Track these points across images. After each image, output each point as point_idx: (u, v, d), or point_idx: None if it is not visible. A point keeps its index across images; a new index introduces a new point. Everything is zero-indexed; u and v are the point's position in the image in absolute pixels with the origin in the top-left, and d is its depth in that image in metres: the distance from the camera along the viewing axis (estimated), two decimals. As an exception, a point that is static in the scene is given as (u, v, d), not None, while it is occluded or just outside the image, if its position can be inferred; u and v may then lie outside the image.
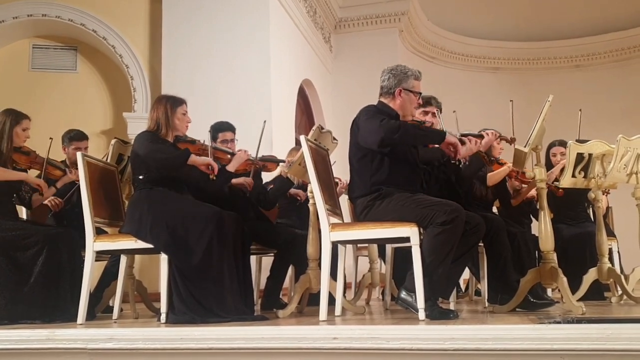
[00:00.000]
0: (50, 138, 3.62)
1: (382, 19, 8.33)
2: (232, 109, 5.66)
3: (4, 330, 2.66)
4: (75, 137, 4.08)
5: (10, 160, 3.46)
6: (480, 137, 3.28)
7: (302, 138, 3.04)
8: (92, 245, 3.13)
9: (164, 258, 3.00)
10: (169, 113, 3.27)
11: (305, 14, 7.39)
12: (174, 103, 3.31)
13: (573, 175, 3.32)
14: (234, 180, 3.79)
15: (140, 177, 3.23)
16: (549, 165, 4.40)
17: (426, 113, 3.61)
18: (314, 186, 2.99)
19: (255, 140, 3.84)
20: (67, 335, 2.47)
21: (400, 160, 3.01)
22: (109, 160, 3.83)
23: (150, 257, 4.70)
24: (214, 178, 3.16)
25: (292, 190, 4.31)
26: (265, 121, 3.90)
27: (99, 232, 3.28)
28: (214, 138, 4.00)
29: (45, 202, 3.67)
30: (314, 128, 3.52)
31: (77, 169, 3.68)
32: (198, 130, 3.62)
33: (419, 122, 3.21)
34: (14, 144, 3.45)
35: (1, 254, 3.21)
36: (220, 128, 4.04)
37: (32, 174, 3.65)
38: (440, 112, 3.70)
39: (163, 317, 2.95)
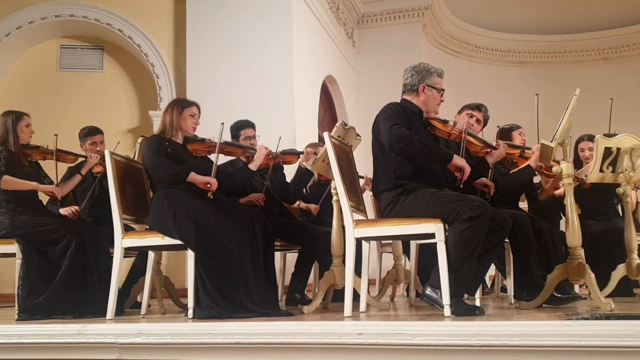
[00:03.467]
0: (55, 135, 3.69)
1: (405, 14, 8.26)
2: (255, 106, 5.70)
3: (38, 324, 2.73)
4: (89, 133, 4.15)
5: (23, 155, 3.57)
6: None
7: (325, 135, 3.04)
8: (121, 241, 3.19)
9: (190, 254, 3.04)
10: (176, 116, 3.36)
11: (327, 10, 7.38)
12: (182, 106, 3.40)
13: (601, 170, 3.26)
14: (242, 200, 3.79)
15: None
16: (578, 160, 4.33)
17: (471, 116, 3.62)
18: (338, 183, 2.99)
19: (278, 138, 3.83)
20: (97, 330, 2.52)
21: None
22: (136, 158, 3.89)
23: (177, 254, 4.77)
24: (211, 196, 3.18)
25: (303, 205, 4.26)
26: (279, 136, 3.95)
27: (126, 228, 3.34)
28: (235, 137, 4.01)
29: (63, 212, 3.70)
30: (337, 124, 3.51)
31: (102, 163, 3.78)
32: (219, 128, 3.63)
33: (443, 121, 3.19)
34: (20, 140, 3.56)
35: (34, 249, 3.30)
36: (241, 126, 4.04)
37: (48, 164, 3.74)
38: (485, 125, 3.72)
39: (190, 312, 3.00)
